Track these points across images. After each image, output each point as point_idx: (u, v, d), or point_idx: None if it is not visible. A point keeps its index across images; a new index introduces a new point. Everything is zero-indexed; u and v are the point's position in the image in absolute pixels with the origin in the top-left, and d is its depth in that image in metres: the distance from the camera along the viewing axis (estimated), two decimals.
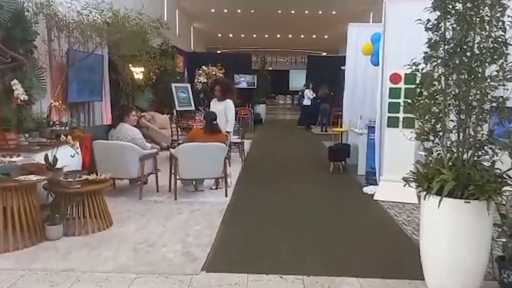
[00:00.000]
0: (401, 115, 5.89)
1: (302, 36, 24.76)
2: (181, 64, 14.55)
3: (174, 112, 10.62)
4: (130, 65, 8.87)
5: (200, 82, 8.79)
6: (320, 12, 19.47)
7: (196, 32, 23.86)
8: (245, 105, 14.99)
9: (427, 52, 3.39)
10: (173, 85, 10.23)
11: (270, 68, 24.18)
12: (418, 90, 3.45)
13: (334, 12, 19.37)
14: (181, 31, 19.16)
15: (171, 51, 11.92)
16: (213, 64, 8.94)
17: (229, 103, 6.75)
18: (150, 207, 5.43)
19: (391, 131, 5.98)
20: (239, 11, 19.64)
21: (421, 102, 3.36)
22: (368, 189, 6.37)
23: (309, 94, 15.31)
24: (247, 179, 7.23)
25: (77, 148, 5.41)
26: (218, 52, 24.82)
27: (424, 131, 3.41)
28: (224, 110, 6.61)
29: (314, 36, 24.71)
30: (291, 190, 6.56)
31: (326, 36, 24.64)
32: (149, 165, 5.99)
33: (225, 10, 19.64)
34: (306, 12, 19.42)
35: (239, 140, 8.40)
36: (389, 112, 5.99)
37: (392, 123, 5.96)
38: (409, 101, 3.54)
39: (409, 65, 3.40)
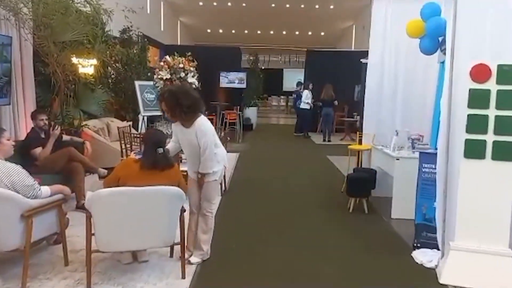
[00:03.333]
0: (490, 137, 3.21)
1: (297, 32, 22.13)
2: (156, 58, 11.70)
3: (140, 118, 7.77)
4: (73, 55, 6.07)
5: (161, 78, 5.75)
6: (317, 7, 17.19)
7: (183, 27, 21.09)
8: (233, 108, 12.11)
9: None
10: (136, 83, 7.34)
11: (263, 67, 21.33)
12: None
13: (331, 7, 17.35)
14: (166, 26, 16.43)
15: (141, 41, 9.10)
16: (182, 54, 5.86)
17: (201, 124, 3.34)
18: None
19: (472, 164, 3.25)
20: (229, 4, 17.24)
21: None
22: (423, 258, 3.62)
23: (308, 96, 12.19)
24: (225, 230, 4.25)
25: None
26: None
27: None
28: (196, 140, 3.33)
29: (310, 33, 22.10)
30: (295, 257, 3.71)
31: (322, 33, 22.06)
32: (47, 223, 3.21)
33: (215, 3, 17.22)
34: (302, 6, 17.17)
35: None
36: (468, 131, 3.25)
37: (474, 150, 3.24)
38: None
39: None
